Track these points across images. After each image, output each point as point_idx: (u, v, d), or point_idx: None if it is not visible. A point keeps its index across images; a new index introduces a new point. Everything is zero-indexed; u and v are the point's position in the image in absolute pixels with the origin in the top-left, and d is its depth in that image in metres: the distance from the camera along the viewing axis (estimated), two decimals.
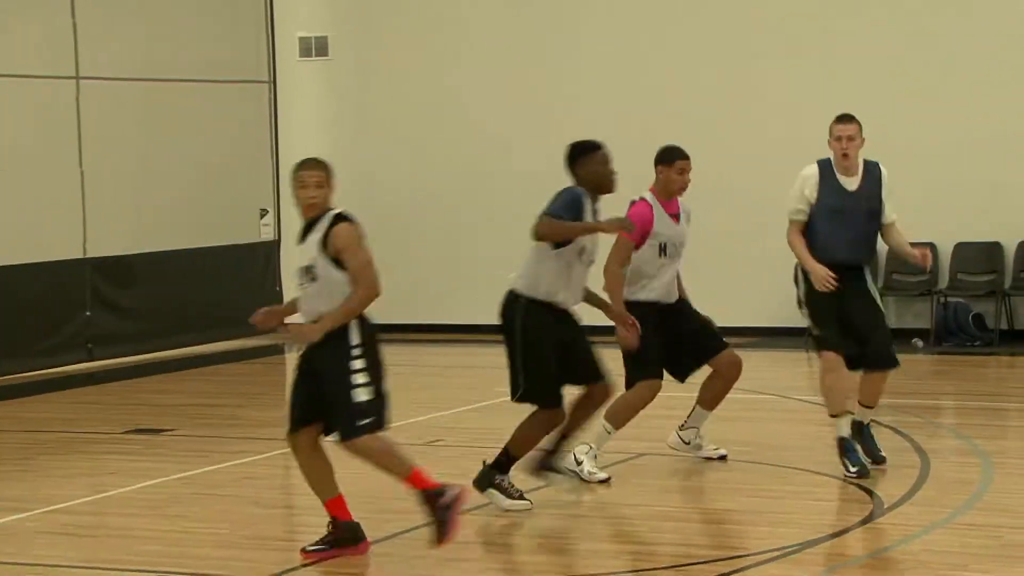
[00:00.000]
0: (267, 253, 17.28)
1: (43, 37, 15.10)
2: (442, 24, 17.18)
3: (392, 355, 16.22)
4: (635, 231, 8.59)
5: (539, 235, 8.09)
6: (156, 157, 16.18)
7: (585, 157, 8.34)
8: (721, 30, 16.02)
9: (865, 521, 7.89)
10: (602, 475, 8.96)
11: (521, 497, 8.35)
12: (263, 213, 17.37)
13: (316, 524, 8.55)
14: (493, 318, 17.09)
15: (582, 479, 8.88)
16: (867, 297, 9.02)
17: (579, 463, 8.91)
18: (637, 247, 8.93)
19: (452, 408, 12.18)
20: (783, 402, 12.07)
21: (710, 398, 9.34)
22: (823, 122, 9.16)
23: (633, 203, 9.08)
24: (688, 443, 9.45)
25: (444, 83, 17.17)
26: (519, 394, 8.31)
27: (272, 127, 17.48)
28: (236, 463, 10.07)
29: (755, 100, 15.81)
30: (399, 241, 17.35)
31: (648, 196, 9.13)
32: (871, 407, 9.16)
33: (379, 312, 18.72)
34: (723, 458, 9.44)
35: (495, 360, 15.20)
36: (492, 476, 8.40)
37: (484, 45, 16.96)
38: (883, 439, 10.15)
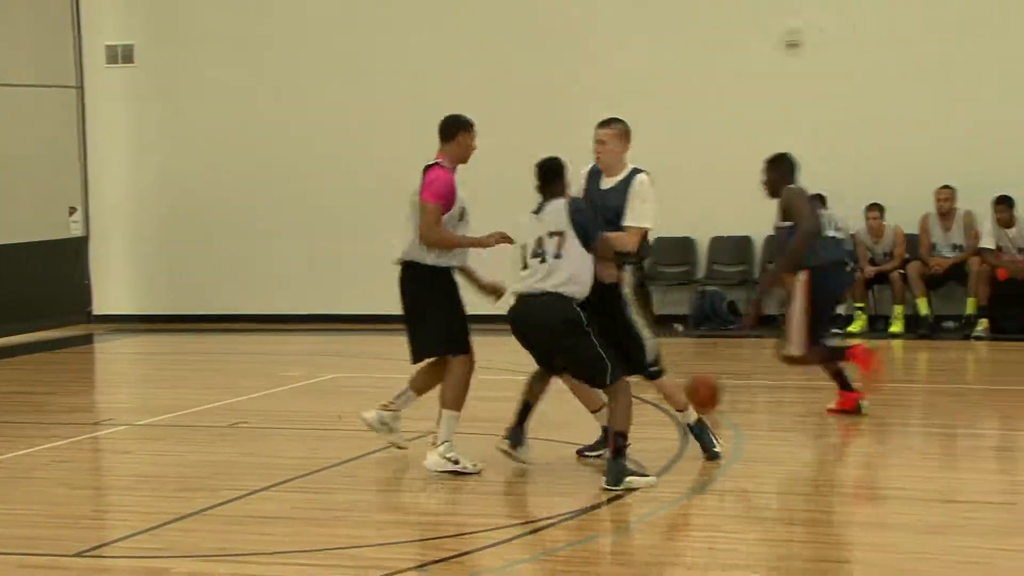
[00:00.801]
0: (76, 248, 16.93)
1: None
2: (241, 32, 16.99)
3: (187, 344, 16.13)
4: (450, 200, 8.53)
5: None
6: None
7: (565, 174, 8.33)
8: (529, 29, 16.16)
9: (630, 491, 8.01)
10: (481, 465, 8.55)
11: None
12: (72, 211, 17.00)
13: (123, 504, 8.40)
14: (282, 309, 16.87)
15: (466, 473, 8.44)
16: (622, 313, 8.45)
17: (456, 462, 8.43)
18: (445, 212, 8.51)
19: (251, 392, 12.02)
20: (558, 383, 12.15)
21: (423, 386, 8.93)
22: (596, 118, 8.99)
23: (430, 168, 8.56)
24: (385, 424, 8.95)
25: (242, 87, 17.00)
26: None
27: (80, 130, 17.14)
28: (46, 447, 9.81)
29: (548, 96, 15.92)
30: (196, 238, 17.15)
31: (443, 162, 8.62)
32: (678, 410, 8.82)
33: (177, 303, 18.53)
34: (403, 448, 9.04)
35: (284, 347, 15.22)
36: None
37: (282, 51, 16.83)
38: (646, 415, 10.34)
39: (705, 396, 8.88)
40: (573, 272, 8.07)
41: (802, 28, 15.30)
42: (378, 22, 16.49)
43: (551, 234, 8.11)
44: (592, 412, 8.80)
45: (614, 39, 15.78)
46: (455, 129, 8.68)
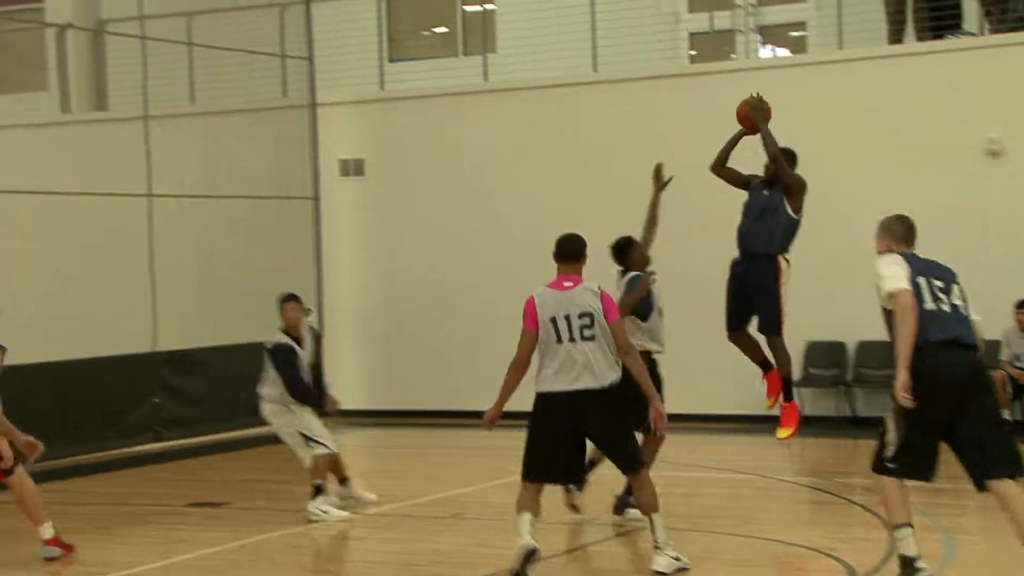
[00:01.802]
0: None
1: (121, 161, 15.29)
2: (459, 145, 17.34)
3: (413, 437, 16.31)
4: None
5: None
6: (216, 263, 16.27)
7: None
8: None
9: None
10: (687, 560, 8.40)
11: None
12: (307, 312, 17.38)
13: None
14: (506, 405, 16.77)
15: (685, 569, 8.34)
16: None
17: (678, 559, 8.31)
18: None
19: (474, 484, 12.09)
20: (764, 481, 11.99)
21: None
22: None
23: (603, 291, 8.42)
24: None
25: (460, 196, 17.32)
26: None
27: (316, 237, 17.58)
28: (285, 532, 10.01)
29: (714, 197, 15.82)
30: (421, 335, 17.42)
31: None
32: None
33: (403, 399, 18.76)
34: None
35: (506, 442, 15.23)
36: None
37: (497, 162, 17.11)
38: (854, 515, 10.08)
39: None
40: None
41: (1002, 138, 14.95)
42: (587, 127, 16.69)
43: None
44: None
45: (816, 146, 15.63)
46: (584, 249, 8.59)
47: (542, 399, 8.31)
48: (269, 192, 16.66)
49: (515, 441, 15.85)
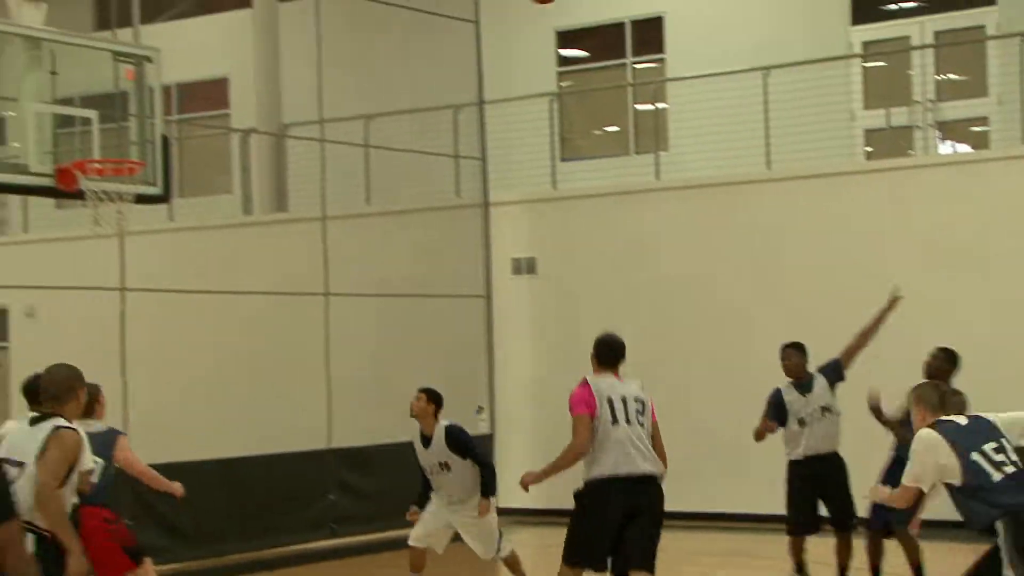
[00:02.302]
0: (483, 445, 17.38)
1: (300, 260, 15.70)
2: (633, 246, 17.36)
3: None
4: None
5: None
6: (390, 361, 16.50)
7: None
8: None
9: None
10: None
11: None
12: (479, 410, 17.50)
13: None
14: (687, 506, 16.68)
15: None
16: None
17: None
18: None
19: None
20: None
21: None
22: None
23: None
24: None
25: (634, 297, 17.31)
26: None
27: (488, 335, 17.74)
28: None
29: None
30: None
31: None
32: None
33: (571, 498, 18.49)
34: None
35: (670, 544, 15.00)
36: None
37: (670, 263, 17.08)
38: None
39: None
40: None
41: None
42: (761, 225, 16.58)
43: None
44: None
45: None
46: (625, 351, 8.98)
47: (605, 484, 8.32)
48: (442, 291, 16.89)
49: (675, 542, 15.66)
